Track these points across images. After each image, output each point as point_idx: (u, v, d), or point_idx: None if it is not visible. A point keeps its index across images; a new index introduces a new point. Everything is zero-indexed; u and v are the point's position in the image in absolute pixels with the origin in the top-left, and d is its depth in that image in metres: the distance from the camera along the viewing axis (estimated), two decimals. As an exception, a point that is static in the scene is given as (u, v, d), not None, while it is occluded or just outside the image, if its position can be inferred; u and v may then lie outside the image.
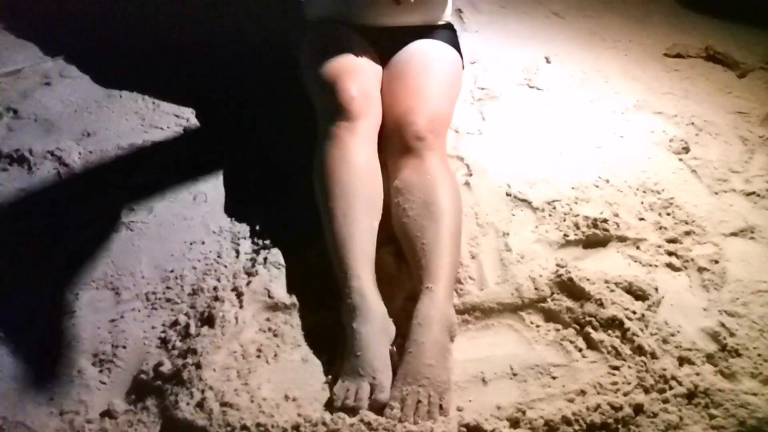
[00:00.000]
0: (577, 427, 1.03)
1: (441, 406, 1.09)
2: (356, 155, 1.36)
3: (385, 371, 1.12)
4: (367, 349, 1.12)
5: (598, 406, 1.05)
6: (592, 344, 1.20)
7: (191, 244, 1.41)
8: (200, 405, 1.05)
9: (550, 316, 1.28)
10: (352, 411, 1.06)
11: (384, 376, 1.10)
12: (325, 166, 1.36)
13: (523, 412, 1.04)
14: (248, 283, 1.28)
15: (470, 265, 1.38)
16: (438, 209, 1.31)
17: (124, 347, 1.20)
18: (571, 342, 1.22)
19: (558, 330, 1.25)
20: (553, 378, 1.16)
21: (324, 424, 1.01)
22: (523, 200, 1.54)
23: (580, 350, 1.20)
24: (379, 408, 1.07)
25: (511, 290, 1.32)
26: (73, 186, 1.54)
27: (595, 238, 1.43)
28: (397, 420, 1.05)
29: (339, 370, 1.14)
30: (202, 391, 1.07)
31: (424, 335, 1.14)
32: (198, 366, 1.11)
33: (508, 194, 1.56)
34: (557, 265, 1.36)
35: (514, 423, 1.03)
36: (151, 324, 1.25)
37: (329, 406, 1.10)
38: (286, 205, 1.52)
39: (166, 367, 1.13)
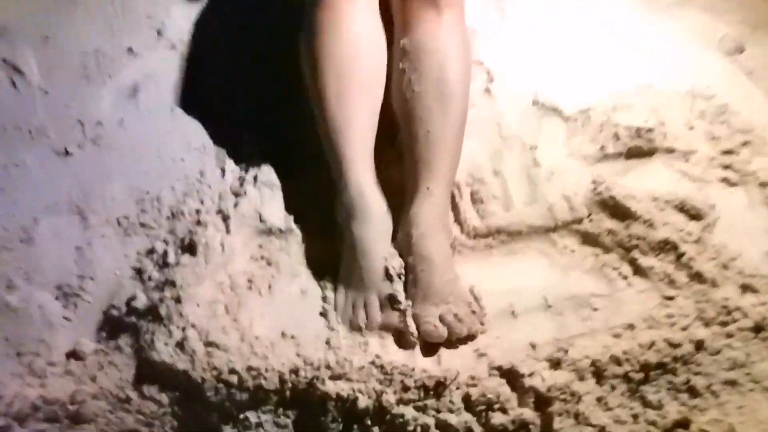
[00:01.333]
0: (628, 368, 0.87)
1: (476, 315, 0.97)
2: (352, 22, 1.10)
3: (397, 282, 0.97)
4: (372, 256, 0.97)
5: (652, 343, 0.89)
6: (639, 271, 1.02)
7: (170, 162, 1.22)
8: (181, 345, 0.89)
9: (588, 240, 1.10)
10: (362, 330, 0.93)
11: (397, 288, 0.95)
12: (313, 37, 1.10)
13: (565, 351, 0.87)
14: (236, 205, 1.10)
15: (493, 182, 1.19)
16: (449, 90, 1.08)
17: (92, 279, 1.03)
18: (615, 268, 1.04)
19: (597, 255, 1.08)
20: (595, 310, 0.99)
21: (328, 367, 0.85)
22: (553, 109, 1.33)
23: (625, 278, 1.03)
24: (389, 327, 0.93)
25: (542, 210, 1.13)
26: (30, 97, 1.33)
27: (638, 151, 1.23)
28: (445, 336, 0.92)
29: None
30: (183, 329, 0.91)
31: (432, 248, 0.99)
32: (178, 300, 0.94)
33: (535, 102, 1.34)
34: (594, 181, 1.17)
35: (555, 363, 0.87)
36: (123, 252, 1.07)
37: (332, 340, 0.94)
38: (281, 117, 1.31)
39: (141, 302, 0.96)
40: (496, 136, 1.27)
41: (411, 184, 1.07)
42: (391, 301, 0.93)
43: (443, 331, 0.93)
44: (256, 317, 0.97)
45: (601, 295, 1.01)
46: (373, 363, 0.84)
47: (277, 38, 1.39)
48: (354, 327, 0.94)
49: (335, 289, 1.02)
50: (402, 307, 0.92)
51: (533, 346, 0.92)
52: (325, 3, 1.11)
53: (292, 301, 1.02)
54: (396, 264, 0.96)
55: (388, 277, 0.95)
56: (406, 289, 0.98)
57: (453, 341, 0.93)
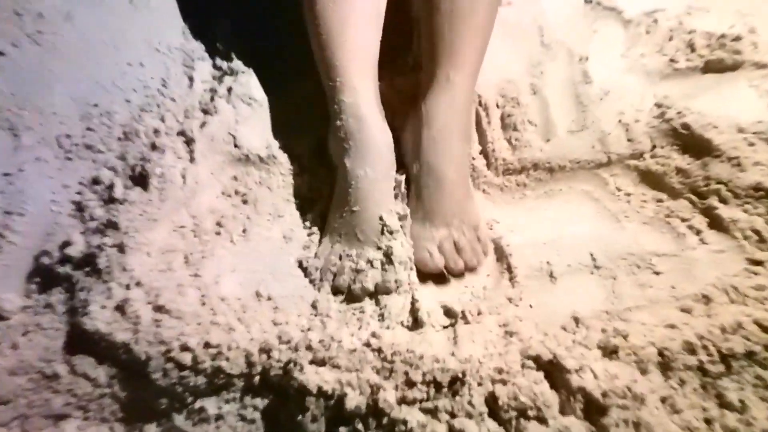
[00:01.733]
0: (704, 357, 0.66)
1: (480, 245, 0.81)
2: None
3: (395, 236, 0.76)
4: (368, 202, 0.76)
5: (737, 324, 0.67)
6: (718, 224, 0.79)
7: (126, 66, 0.97)
8: (121, 309, 0.68)
9: (650, 181, 0.87)
10: (351, 295, 0.74)
11: (394, 244, 0.75)
12: None
13: (624, 336, 0.66)
14: (203, 125, 0.86)
15: (530, 103, 0.94)
16: None
17: (22, 214, 0.81)
18: (684, 220, 0.81)
19: (661, 201, 0.84)
20: (656, 274, 0.77)
21: (310, 348, 0.64)
22: (611, 9, 1.05)
23: (699, 233, 0.80)
24: (386, 291, 0.73)
25: (592, 141, 0.89)
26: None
27: (719, 66, 0.96)
28: (441, 267, 0.77)
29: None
30: (126, 287, 0.70)
31: (445, 156, 0.79)
32: (121, 248, 0.73)
33: (587, 1, 1.06)
34: (660, 104, 0.92)
35: (610, 352, 0.66)
36: (62, 181, 0.85)
37: (319, 304, 0.74)
38: (265, 17, 1.04)
39: (78, 248, 0.75)
40: (537, 43, 1.01)
41: (426, 72, 0.84)
42: (386, 260, 0.73)
43: (439, 262, 0.77)
44: (224, 271, 0.76)
45: (665, 255, 0.78)
46: (368, 345, 0.64)
47: None
48: (337, 288, 0.75)
49: (321, 237, 0.81)
50: (396, 275, 0.73)
51: (577, 321, 0.71)
52: None
53: (273, 249, 0.81)
54: (393, 222, 0.75)
55: (384, 233, 0.74)
56: (408, 202, 0.80)
57: (448, 275, 0.78)
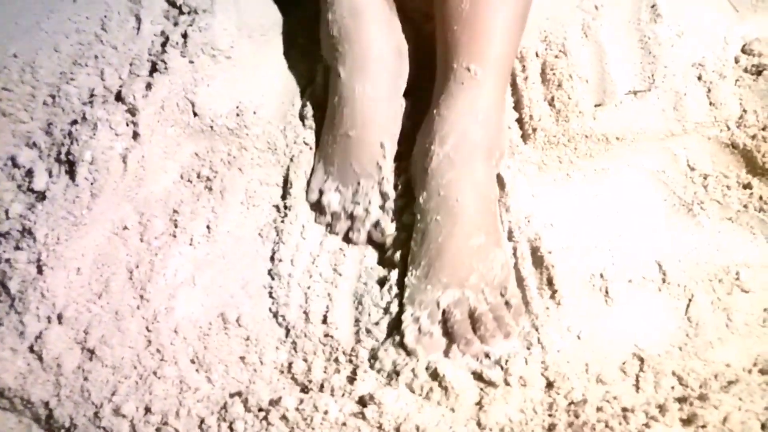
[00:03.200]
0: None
1: (510, 311, 0.56)
2: None
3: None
4: (369, 126, 0.61)
5: None
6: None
7: (54, 2, 0.75)
8: (37, 353, 0.51)
9: (737, 159, 0.67)
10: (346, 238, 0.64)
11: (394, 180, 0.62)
12: None
13: (702, 399, 0.48)
14: (149, 87, 0.65)
15: (580, 51, 0.72)
16: None
17: None
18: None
19: (750, 188, 0.65)
20: (745, 292, 0.59)
21: (284, 418, 0.47)
22: None
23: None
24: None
25: (662, 104, 0.68)
26: None
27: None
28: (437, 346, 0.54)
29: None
30: (47, 320, 0.53)
31: (462, 183, 0.58)
32: (39, 268, 0.55)
33: None
34: (750, 51, 0.70)
35: (688, 420, 0.49)
36: (-27, 162, 0.66)
37: (297, 339, 0.57)
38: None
39: (-16, 261, 0.57)
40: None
41: (441, 68, 0.63)
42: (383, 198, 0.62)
43: (432, 347, 0.53)
44: (180, 288, 0.59)
45: (756, 266, 0.60)
46: (362, 416, 0.46)
47: None
48: (327, 226, 0.65)
49: (314, 160, 0.67)
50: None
51: (642, 362, 0.54)
52: None
53: (245, 253, 0.63)
54: (389, 156, 0.63)
55: (380, 174, 0.62)
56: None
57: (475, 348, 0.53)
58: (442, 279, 0.55)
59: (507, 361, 0.51)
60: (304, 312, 0.58)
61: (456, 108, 0.59)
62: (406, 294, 0.57)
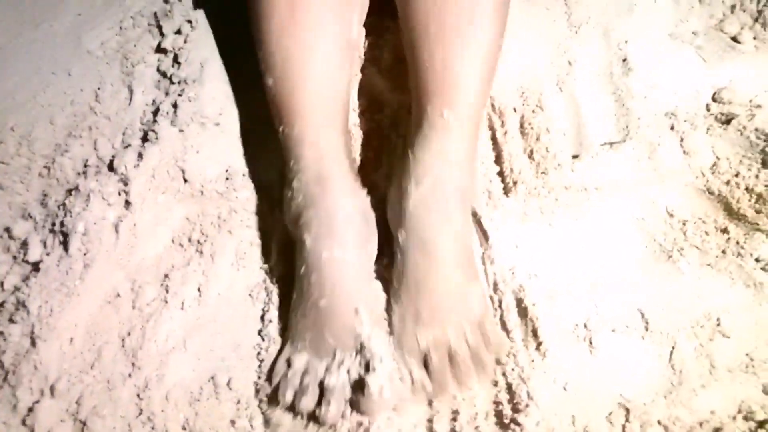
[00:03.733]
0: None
1: (488, 347, 0.58)
2: None
3: (377, 335, 0.57)
4: (340, 292, 0.57)
5: None
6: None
7: (50, 76, 0.78)
8: (29, 427, 0.52)
9: (714, 205, 0.68)
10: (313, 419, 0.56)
11: (375, 344, 0.56)
12: None
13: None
14: (140, 157, 0.68)
15: (556, 103, 0.75)
16: None
17: None
18: (760, 260, 0.63)
19: (728, 235, 0.66)
20: (727, 338, 0.60)
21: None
22: (654, -26, 0.84)
23: (781, 281, 0.62)
24: (372, 412, 0.54)
25: (637, 155, 0.70)
26: None
27: (797, 47, 0.75)
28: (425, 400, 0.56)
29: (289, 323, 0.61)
30: (40, 393, 0.54)
31: (437, 226, 0.59)
32: (32, 341, 0.56)
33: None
34: (720, 99, 0.72)
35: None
36: (-30, 236, 0.68)
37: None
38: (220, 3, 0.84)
39: (-20, 336, 0.59)
40: (563, 23, 0.80)
41: (416, 111, 0.65)
42: (365, 372, 0.54)
43: (418, 395, 0.57)
44: (172, 354, 0.60)
45: (736, 311, 0.61)
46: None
47: None
48: (298, 410, 0.55)
49: (282, 341, 0.61)
50: (373, 399, 0.53)
51: (628, 412, 0.55)
52: None
53: (235, 315, 0.65)
54: (367, 323, 0.56)
55: (363, 332, 0.56)
56: (387, 287, 0.61)
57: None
58: (423, 318, 0.57)
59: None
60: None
61: (430, 151, 0.61)
62: (394, 337, 0.58)
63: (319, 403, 0.54)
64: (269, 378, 0.58)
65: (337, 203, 0.58)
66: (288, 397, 0.55)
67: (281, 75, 0.61)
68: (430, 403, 0.58)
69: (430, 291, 0.57)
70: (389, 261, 0.62)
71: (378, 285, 0.60)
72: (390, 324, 0.59)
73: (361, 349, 0.55)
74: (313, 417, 0.54)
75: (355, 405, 0.53)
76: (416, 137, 0.63)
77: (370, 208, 0.61)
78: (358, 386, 0.54)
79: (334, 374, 0.54)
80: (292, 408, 0.55)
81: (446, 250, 0.58)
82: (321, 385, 0.55)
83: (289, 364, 0.57)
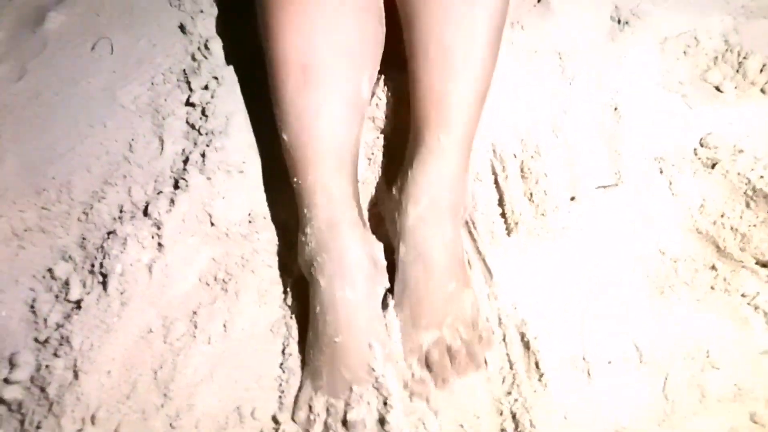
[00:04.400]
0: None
1: (481, 343, 0.67)
2: None
3: (390, 369, 0.62)
4: (353, 329, 0.62)
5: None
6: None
7: (86, 128, 0.85)
8: (75, 450, 0.57)
9: (702, 244, 0.73)
10: None
11: (390, 380, 0.61)
12: None
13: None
14: (172, 203, 0.74)
15: (554, 150, 0.80)
16: None
17: (-32, 321, 0.71)
18: (745, 296, 0.68)
19: (716, 271, 0.71)
20: (716, 369, 0.64)
21: None
22: (642, 27, 0.90)
23: (766, 314, 0.66)
24: None
25: (628, 198, 0.76)
26: None
27: (776, 95, 0.81)
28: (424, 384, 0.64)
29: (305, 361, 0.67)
30: (82, 422, 0.59)
31: (435, 239, 0.66)
32: (75, 373, 0.61)
33: (614, 18, 0.92)
34: (706, 144, 0.78)
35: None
36: (14, 276, 0.74)
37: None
38: (243, 60, 0.91)
39: (27, 369, 0.64)
40: (557, 74, 0.87)
41: (414, 135, 0.72)
42: (382, 404, 0.60)
43: (422, 389, 0.64)
44: (200, 385, 0.65)
45: (725, 344, 0.65)
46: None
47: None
48: None
49: (301, 378, 0.66)
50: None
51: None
52: None
53: (258, 349, 0.70)
54: (380, 357, 0.62)
55: (373, 378, 0.61)
56: (391, 288, 0.67)
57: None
58: (423, 322, 0.64)
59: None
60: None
61: (427, 174, 0.68)
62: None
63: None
64: (293, 417, 0.63)
65: (347, 247, 0.64)
66: (300, 422, 0.61)
67: (295, 132, 0.68)
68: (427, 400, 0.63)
69: (428, 298, 0.65)
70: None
71: (389, 322, 0.65)
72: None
73: (377, 385, 0.60)
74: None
75: None
76: (414, 160, 0.69)
77: (379, 253, 0.66)
78: (380, 423, 0.59)
79: (356, 410, 0.59)
80: None
81: (441, 261, 0.66)
82: (344, 422, 0.60)
83: (310, 406, 0.62)
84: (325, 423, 0.61)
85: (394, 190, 0.72)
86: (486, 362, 0.65)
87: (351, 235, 0.64)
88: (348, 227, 0.65)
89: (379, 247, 0.67)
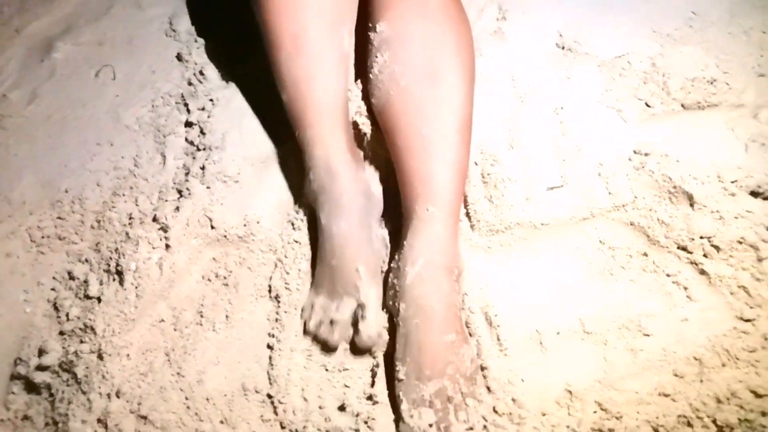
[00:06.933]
0: (701, 431, 0.65)
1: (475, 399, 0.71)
2: None
3: (371, 287, 0.76)
4: (344, 256, 0.77)
5: (732, 394, 0.66)
6: (705, 280, 0.79)
7: (95, 146, 0.95)
8: (102, 422, 0.66)
9: (635, 234, 0.86)
10: (325, 346, 0.77)
11: (370, 295, 0.76)
12: None
13: (618, 417, 0.65)
14: (177, 209, 0.84)
15: (509, 159, 0.93)
16: (447, 80, 0.82)
17: (-5, 319, 0.79)
18: (670, 275, 0.81)
19: (647, 255, 0.84)
20: (647, 336, 0.76)
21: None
22: (583, 53, 1.04)
23: (686, 289, 0.79)
24: (363, 348, 0.75)
25: (573, 197, 0.88)
26: None
27: (696, 108, 0.96)
28: None
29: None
30: (108, 397, 0.68)
31: (432, 296, 0.73)
32: (99, 355, 0.71)
33: (559, 45, 1.06)
34: (638, 152, 0.91)
35: (605, 432, 0.65)
36: (35, 278, 0.83)
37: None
38: (236, 72, 1.03)
39: (54, 356, 0.73)
40: (511, 94, 1.00)
41: (406, 206, 0.81)
42: (361, 311, 0.75)
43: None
44: (207, 366, 0.74)
45: (654, 315, 0.78)
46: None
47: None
48: (318, 340, 0.77)
49: (309, 294, 0.81)
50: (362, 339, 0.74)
51: (571, 395, 0.70)
52: None
53: (257, 335, 0.79)
54: (365, 278, 0.76)
55: (358, 293, 0.76)
56: (395, 338, 0.75)
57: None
58: (426, 372, 0.69)
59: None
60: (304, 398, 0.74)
61: (421, 240, 0.77)
62: (400, 389, 0.71)
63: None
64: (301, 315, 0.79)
65: (343, 189, 0.78)
66: (312, 326, 0.77)
67: (292, 93, 0.82)
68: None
69: (430, 348, 0.70)
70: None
71: (378, 245, 0.79)
72: (395, 380, 0.72)
73: (360, 300, 0.75)
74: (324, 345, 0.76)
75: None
76: (408, 228, 0.79)
77: (372, 187, 0.81)
78: (353, 325, 0.75)
79: (339, 312, 0.76)
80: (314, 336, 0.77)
81: (440, 313, 0.72)
82: (331, 321, 0.75)
83: (312, 305, 0.78)
84: (320, 319, 0.76)
85: (393, 264, 0.80)
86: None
87: (345, 178, 0.78)
88: (342, 172, 0.78)
89: (374, 178, 0.81)
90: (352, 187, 0.79)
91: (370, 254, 0.78)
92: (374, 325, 0.74)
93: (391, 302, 0.77)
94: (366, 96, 0.89)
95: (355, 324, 0.75)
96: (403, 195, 0.81)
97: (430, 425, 0.67)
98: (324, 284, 0.78)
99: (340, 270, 0.77)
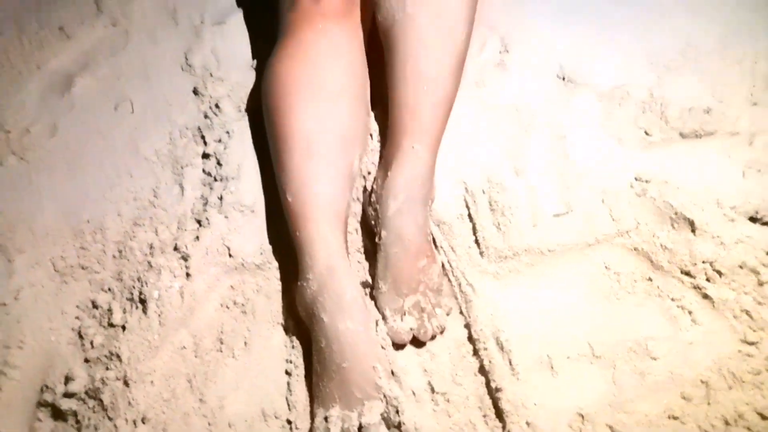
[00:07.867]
0: (709, 452, 0.68)
1: (444, 307, 0.85)
2: (327, 59, 0.88)
3: (394, 383, 0.75)
4: (359, 354, 0.73)
5: (740, 416, 0.69)
6: (709, 304, 0.82)
7: (115, 177, 0.98)
8: (128, 448, 0.68)
9: (638, 259, 0.89)
10: None
11: (397, 392, 0.73)
12: (275, 78, 0.89)
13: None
14: (197, 239, 0.87)
15: (515, 187, 0.96)
16: (452, 14, 0.89)
17: (20, 347, 0.81)
18: (674, 299, 0.84)
19: (651, 280, 0.86)
20: (654, 360, 0.79)
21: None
22: (583, 83, 1.08)
23: (691, 313, 0.82)
24: None
25: (578, 223, 0.91)
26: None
27: (693, 136, 0.99)
28: (408, 340, 0.81)
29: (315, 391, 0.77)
30: (134, 423, 0.70)
31: (410, 227, 0.83)
32: (125, 381, 0.73)
33: (560, 77, 1.10)
34: (639, 179, 0.95)
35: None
36: (60, 307, 0.85)
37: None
38: (250, 104, 1.06)
39: (80, 383, 0.75)
40: (516, 124, 1.04)
41: (392, 141, 0.88)
42: (393, 410, 0.72)
43: (407, 336, 0.81)
44: (228, 391, 0.76)
45: (660, 338, 0.80)
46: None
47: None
48: None
49: (311, 411, 0.77)
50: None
51: (582, 418, 0.73)
52: (295, 29, 0.90)
53: (275, 360, 0.82)
54: (384, 375, 0.73)
55: (381, 393, 0.73)
56: (375, 266, 0.84)
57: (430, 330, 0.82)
58: (404, 290, 0.81)
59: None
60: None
61: (404, 174, 0.84)
62: (383, 300, 0.81)
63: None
64: None
65: (346, 288, 0.76)
66: None
67: (299, 194, 0.82)
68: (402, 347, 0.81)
69: (407, 271, 0.82)
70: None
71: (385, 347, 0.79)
72: (376, 292, 0.82)
73: (385, 399, 0.72)
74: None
75: None
76: (394, 165, 0.85)
77: (366, 297, 0.82)
78: (397, 428, 0.71)
79: (368, 415, 0.70)
80: None
81: (416, 242, 0.82)
82: (360, 428, 0.70)
83: (326, 419, 0.72)
84: (342, 429, 0.71)
85: (374, 187, 0.88)
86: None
87: (347, 277, 0.77)
88: (344, 271, 0.78)
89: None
90: (353, 287, 0.77)
91: (381, 353, 0.75)
92: (419, 415, 0.72)
93: (372, 223, 0.86)
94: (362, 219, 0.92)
95: (390, 427, 0.71)
96: (391, 123, 0.88)
97: (411, 329, 0.81)
98: (334, 395, 0.73)
99: (355, 371, 0.72)
